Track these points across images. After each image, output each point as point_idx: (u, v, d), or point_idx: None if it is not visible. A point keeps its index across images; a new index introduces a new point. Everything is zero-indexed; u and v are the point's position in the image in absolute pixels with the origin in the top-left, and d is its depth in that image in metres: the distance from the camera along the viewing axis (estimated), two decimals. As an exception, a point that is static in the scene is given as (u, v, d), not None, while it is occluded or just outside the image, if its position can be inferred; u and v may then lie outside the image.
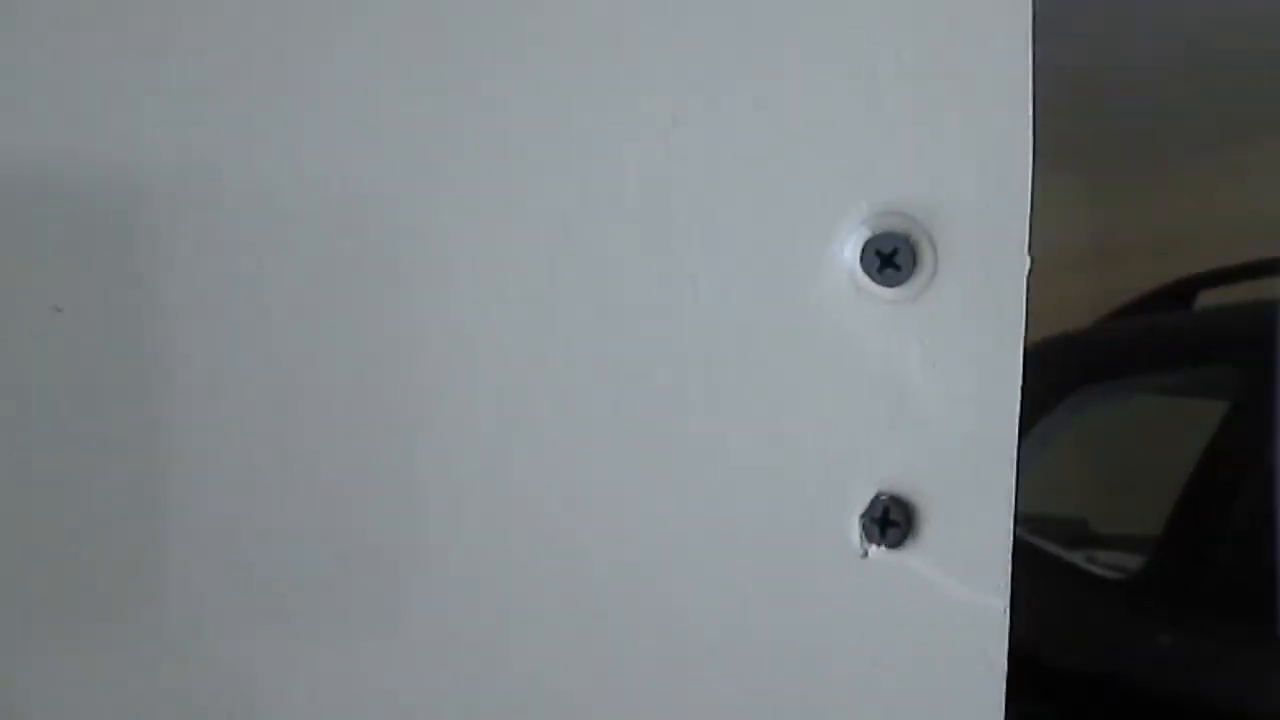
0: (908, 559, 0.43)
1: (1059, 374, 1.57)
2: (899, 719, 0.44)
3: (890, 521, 0.43)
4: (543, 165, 0.44)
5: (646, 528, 0.45)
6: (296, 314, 0.45)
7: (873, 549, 0.43)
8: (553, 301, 0.44)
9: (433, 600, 0.46)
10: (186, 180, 0.44)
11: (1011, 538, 0.42)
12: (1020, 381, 0.42)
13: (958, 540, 0.42)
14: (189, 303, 0.44)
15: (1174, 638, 1.46)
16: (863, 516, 0.43)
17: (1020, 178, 0.42)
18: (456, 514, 0.45)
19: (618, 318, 0.44)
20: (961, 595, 0.42)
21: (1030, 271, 0.43)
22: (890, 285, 0.43)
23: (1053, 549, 1.55)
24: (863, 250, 0.43)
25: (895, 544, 0.43)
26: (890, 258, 0.43)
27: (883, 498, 0.43)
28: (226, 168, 0.44)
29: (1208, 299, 1.61)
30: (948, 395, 0.43)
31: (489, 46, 0.44)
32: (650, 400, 0.44)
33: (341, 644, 0.46)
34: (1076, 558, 1.55)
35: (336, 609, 0.46)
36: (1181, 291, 1.63)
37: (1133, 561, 1.47)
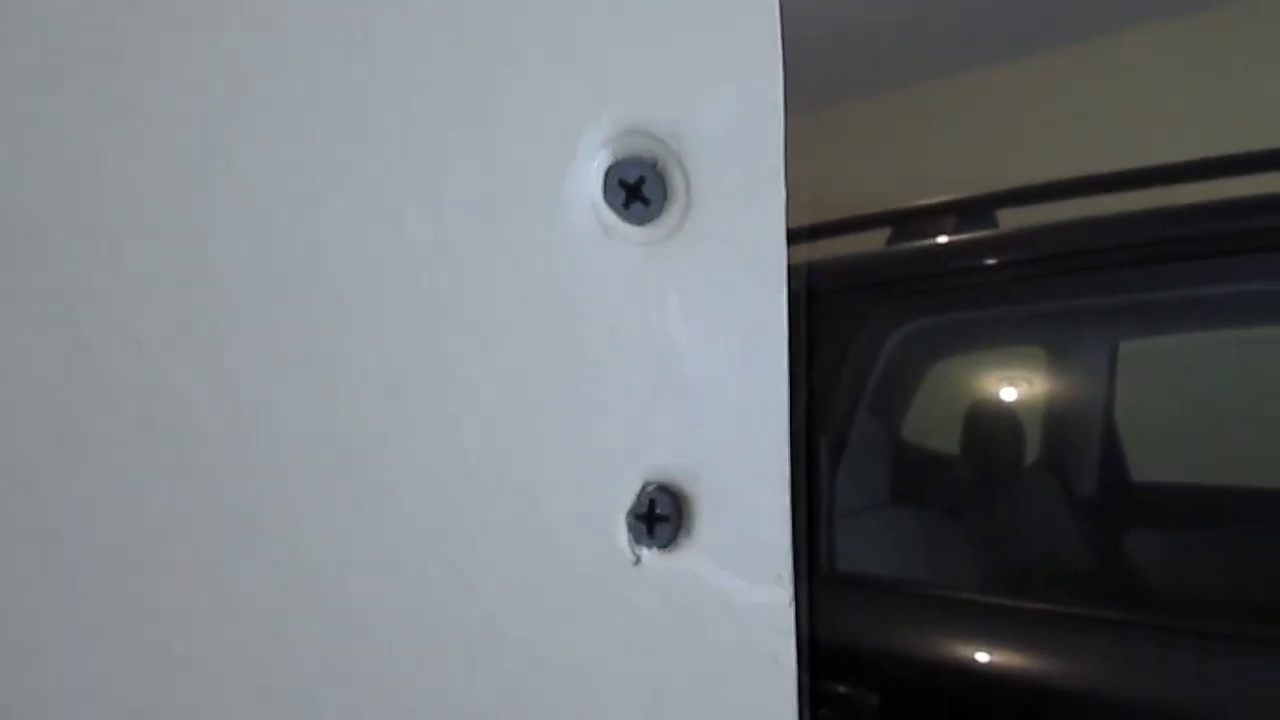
0: (681, 560, 0.35)
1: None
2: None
3: (658, 517, 0.35)
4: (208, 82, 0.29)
5: (370, 542, 0.32)
6: None
7: (644, 553, 0.34)
8: (229, 269, 0.29)
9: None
10: None
11: (790, 516, 0.36)
12: (786, 335, 0.36)
13: (734, 528, 0.35)
14: None
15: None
16: (629, 514, 0.34)
17: (773, 99, 0.36)
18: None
19: (311, 275, 0.31)
20: (742, 593, 0.35)
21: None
22: (639, 223, 0.35)
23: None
24: (605, 179, 0.34)
25: (666, 543, 0.35)
26: (637, 189, 0.34)
27: (649, 488, 0.34)
28: None
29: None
30: (712, 355, 0.35)
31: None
32: (364, 384, 0.31)
33: None
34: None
35: None
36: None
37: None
